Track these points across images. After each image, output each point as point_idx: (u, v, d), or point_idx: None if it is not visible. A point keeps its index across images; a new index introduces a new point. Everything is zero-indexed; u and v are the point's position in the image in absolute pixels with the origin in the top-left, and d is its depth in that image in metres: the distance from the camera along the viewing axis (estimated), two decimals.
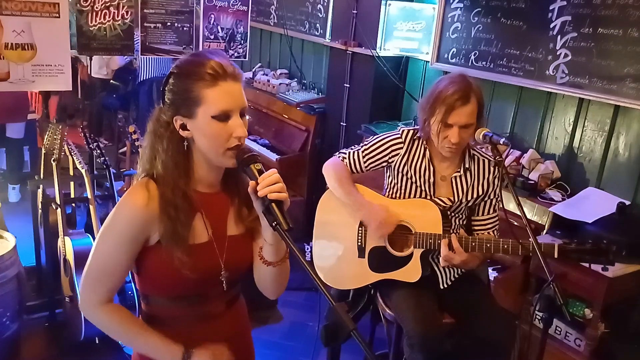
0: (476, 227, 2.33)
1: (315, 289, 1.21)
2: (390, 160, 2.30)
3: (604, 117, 2.87)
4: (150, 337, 1.39)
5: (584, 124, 2.97)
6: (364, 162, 2.33)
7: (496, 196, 2.28)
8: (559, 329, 2.67)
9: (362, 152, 2.33)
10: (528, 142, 3.23)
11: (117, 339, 1.52)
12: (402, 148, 2.28)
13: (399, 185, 2.33)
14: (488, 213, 2.30)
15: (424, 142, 2.28)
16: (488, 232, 2.30)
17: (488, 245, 2.12)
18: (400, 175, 2.31)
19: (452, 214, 2.29)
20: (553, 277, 1.81)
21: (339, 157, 2.37)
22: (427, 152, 2.26)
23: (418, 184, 2.28)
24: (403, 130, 2.30)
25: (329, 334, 2.21)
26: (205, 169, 1.39)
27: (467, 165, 2.26)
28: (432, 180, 2.26)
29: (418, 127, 2.29)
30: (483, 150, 2.31)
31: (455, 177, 2.26)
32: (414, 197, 2.30)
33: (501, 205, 2.23)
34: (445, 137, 2.13)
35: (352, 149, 2.37)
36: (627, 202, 2.64)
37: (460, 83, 2.12)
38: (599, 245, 1.96)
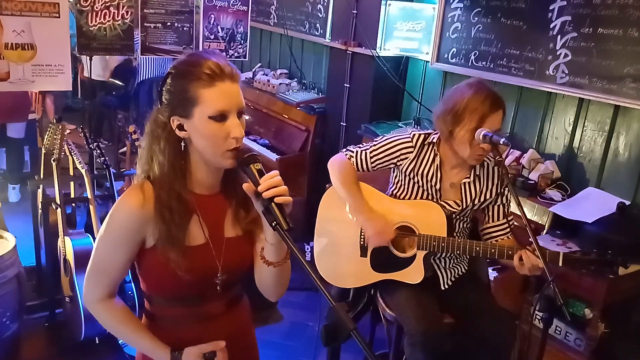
0: (494, 233, 2.29)
1: (315, 289, 1.21)
2: (398, 163, 2.28)
3: (604, 117, 2.87)
4: (142, 338, 1.42)
5: (584, 124, 2.97)
6: (371, 163, 2.30)
7: (507, 200, 2.27)
8: (559, 329, 2.67)
9: (370, 152, 2.29)
10: (528, 142, 3.23)
11: (115, 335, 1.55)
12: (411, 152, 2.25)
13: (405, 186, 2.32)
14: (504, 217, 2.27)
15: (435, 148, 2.25)
16: (504, 237, 2.27)
17: (492, 250, 2.11)
18: (407, 178, 2.30)
19: (457, 217, 2.28)
20: (553, 277, 1.81)
21: (345, 154, 2.33)
22: (437, 159, 2.24)
23: (425, 188, 2.27)
24: (414, 135, 2.27)
25: (329, 334, 2.19)
26: (204, 170, 1.38)
27: (477, 172, 2.25)
28: (438, 186, 2.24)
29: (429, 131, 2.28)
30: (490, 155, 2.29)
31: (465, 183, 2.24)
32: (420, 199, 2.29)
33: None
34: (478, 144, 2.10)
35: (359, 147, 2.34)
36: (627, 202, 2.63)
37: (488, 90, 2.12)
38: (604, 257, 1.96)
